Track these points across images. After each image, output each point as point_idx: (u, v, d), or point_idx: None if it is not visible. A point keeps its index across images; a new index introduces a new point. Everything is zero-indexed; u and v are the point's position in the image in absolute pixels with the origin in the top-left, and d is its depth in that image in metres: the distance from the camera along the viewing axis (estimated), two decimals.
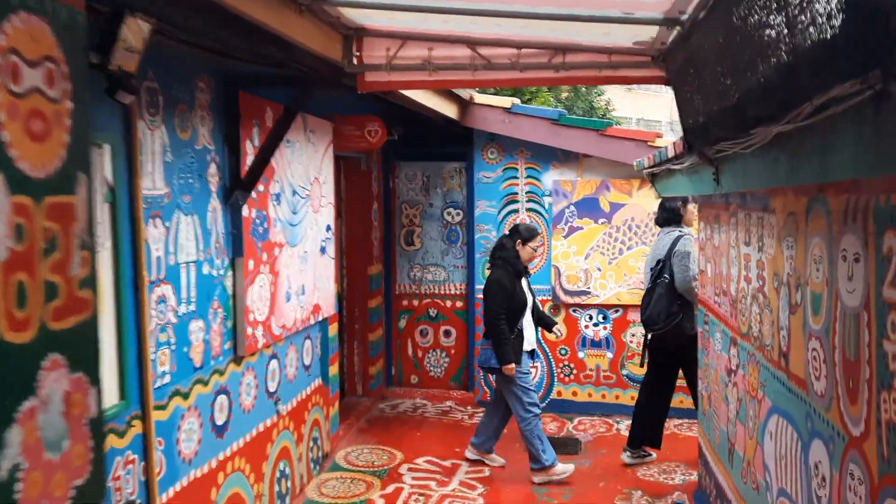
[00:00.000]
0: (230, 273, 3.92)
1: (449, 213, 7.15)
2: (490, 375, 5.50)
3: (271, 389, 4.47)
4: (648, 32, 2.68)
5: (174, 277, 3.36)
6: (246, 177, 3.85)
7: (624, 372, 6.70)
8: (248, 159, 3.94)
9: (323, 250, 5.24)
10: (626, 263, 6.53)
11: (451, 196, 7.14)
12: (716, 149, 2.63)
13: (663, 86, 3.11)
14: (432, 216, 7.18)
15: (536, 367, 6.66)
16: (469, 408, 6.93)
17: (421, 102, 5.21)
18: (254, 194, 4.06)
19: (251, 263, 4.04)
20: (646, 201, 6.44)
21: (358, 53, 3.18)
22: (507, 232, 5.39)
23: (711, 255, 4.65)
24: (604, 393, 6.76)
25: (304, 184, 4.83)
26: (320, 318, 5.21)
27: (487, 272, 5.45)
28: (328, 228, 5.36)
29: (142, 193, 3.05)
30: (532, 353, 5.33)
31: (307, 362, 5.07)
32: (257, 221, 4.12)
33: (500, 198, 6.80)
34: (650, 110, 33.99)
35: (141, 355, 3.09)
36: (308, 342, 5.09)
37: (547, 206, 6.71)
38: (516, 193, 6.77)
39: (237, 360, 4.01)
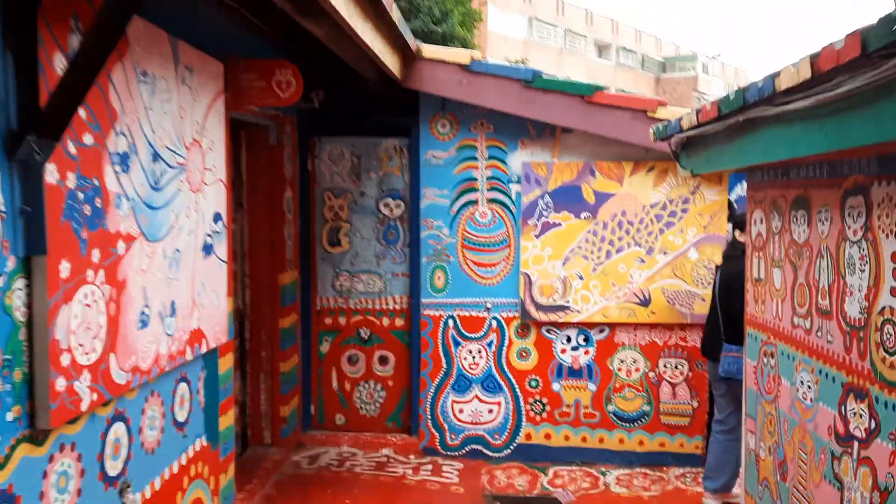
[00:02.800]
0: (19, 283, 2.20)
1: (386, 205, 5.53)
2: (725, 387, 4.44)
3: (112, 472, 2.75)
4: None
5: None
6: (49, 110, 2.15)
7: (610, 408, 5.26)
8: (55, 83, 2.24)
9: (208, 249, 3.54)
10: (614, 270, 5.10)
11: (390, 182, 5.53)
12: None
13: None
14: (364, 208, 5.55)
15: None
16: (413, 457, 5.32)
17: (353, 29, 3.59)
18: (72, 147, 2.36)
19: (65, 267, 2.34)
20: (641, 190, 5.04)
21: None
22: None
23: (781, 258, 3.25)
24: (584, 435, 5.29)
25: (174, 145, 3.14)
26: (204, 350, 3.51)
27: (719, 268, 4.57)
28: (217, 218, 3.67)
29: None
30: None
31: (181, 417, 3.36)
32: (80, 195, 2.42)
33: (453, 185, 5.25)
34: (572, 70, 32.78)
35: None
36: (183, 387, 3.38)
37: (514, 197, 5.20)
38: (475, 179, 5.24)
39: (36, 436, 2.29)
